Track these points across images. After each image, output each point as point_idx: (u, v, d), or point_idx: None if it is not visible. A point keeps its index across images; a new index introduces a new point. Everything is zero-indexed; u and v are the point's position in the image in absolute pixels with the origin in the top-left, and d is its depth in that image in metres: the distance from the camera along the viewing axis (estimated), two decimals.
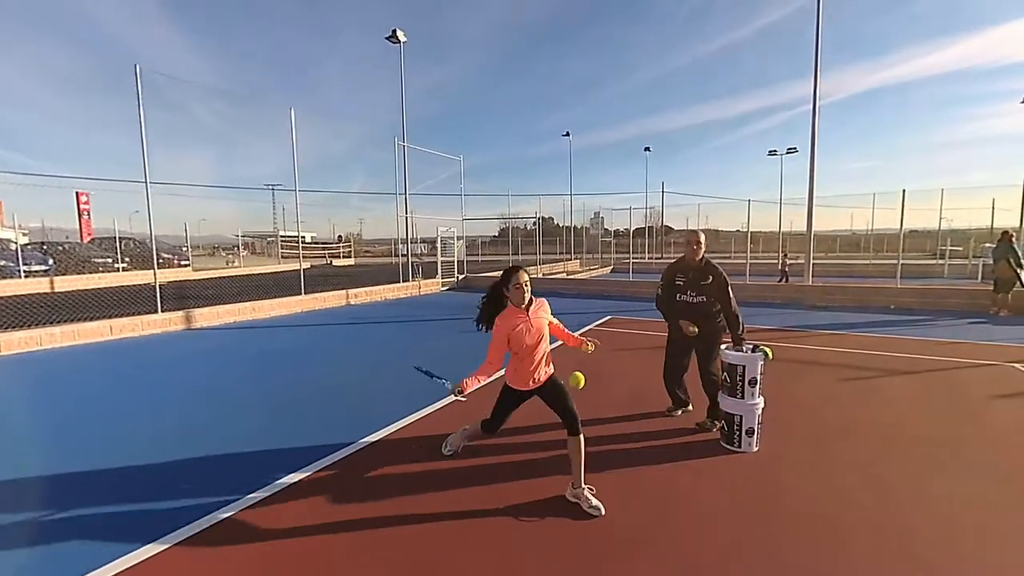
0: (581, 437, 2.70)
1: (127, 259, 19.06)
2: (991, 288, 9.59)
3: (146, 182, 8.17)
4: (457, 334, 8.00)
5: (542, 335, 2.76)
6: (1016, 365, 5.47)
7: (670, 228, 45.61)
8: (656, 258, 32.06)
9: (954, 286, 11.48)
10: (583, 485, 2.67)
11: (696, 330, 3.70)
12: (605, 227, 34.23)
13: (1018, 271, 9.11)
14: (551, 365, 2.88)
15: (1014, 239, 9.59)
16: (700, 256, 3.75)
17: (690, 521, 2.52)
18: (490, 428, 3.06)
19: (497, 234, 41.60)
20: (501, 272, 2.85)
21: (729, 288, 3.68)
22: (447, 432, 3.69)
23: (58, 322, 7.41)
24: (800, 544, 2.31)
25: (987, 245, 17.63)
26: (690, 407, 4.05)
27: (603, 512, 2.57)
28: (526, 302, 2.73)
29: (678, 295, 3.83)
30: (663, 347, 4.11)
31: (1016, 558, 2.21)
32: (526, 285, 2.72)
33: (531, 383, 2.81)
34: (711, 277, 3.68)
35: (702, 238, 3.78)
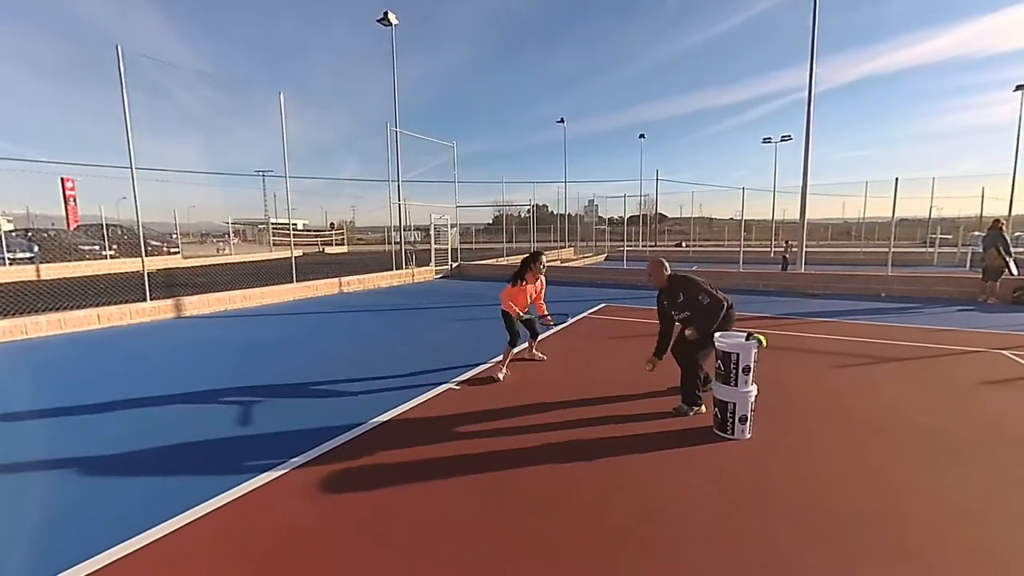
0: (536, 340, 5.29)
1: (115, 246, 18.74)
2: (980, 276, 9.70)
3: (131, 167, 7.98)
4: (451, 323, 7.96)
5: (531, 296, 4.95)
6: (1004, 352, 5.54)
7: (664, 216, 45.69)
8: (650, 246, 32.10)
9: (944, 274, 11.60)
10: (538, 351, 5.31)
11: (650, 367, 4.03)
12: (599, 215, 34.20)
13: (1007, 259, 9.20)
14: (531, 309, 5.04)
15: (1004, 228, 9.68)
16: (662, 280, 3.95)
17: (681, 510, 2.52)
18: (513, 343, 4.81)
19: (491, 222, 41.41)
20: (531, 252, 4.92)
21: (701, 295, 3.72)
22: (441, 415, 3.69)
23: (43, 310, 7.28)
24: (792, 533, 2.33)
25: (976, 233, 17.82)
26: (702, 408, 3.79)
27: (544, 358, 5.24)
28: (538, 275, 4.88)
29: (671, 315, 4.02)
30: (655, 335, 4.12)
31: (1006, 545, 2.23)
32: (543, 267, 4.87)
33: (520, 314, 4.84)
34: (681, 294, 3.82)
35: (658, 267, 3.97)
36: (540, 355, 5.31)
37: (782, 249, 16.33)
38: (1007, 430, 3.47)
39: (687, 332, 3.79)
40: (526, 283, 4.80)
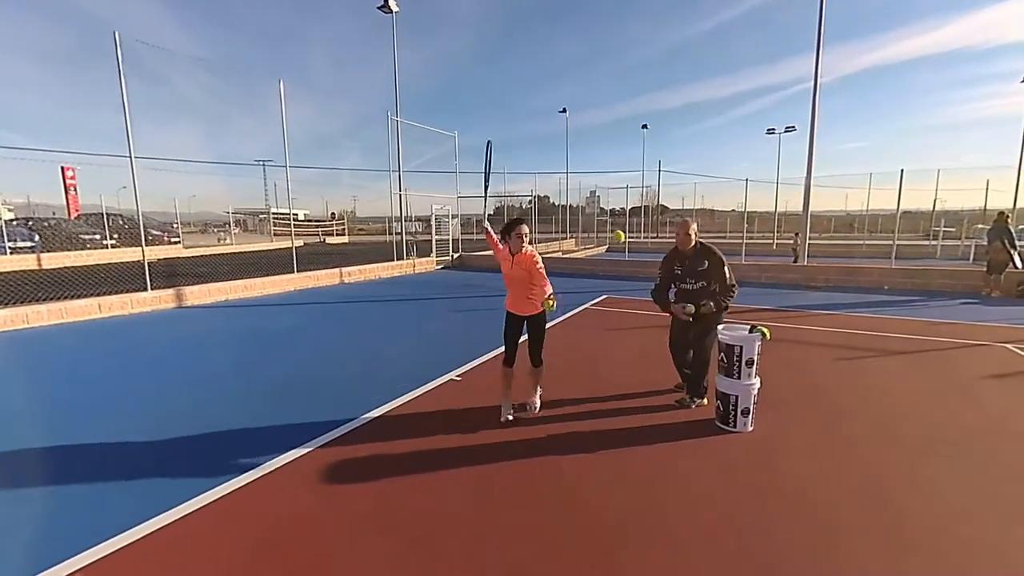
0: (541, 368, 3.65)
1: (115, 236, 18.72)
2: (984, 269, 9.64)
3: (131, 156, 7.93)
4: (451, 313, 7.95)
5: (520, 279, 3.47)
6: (1008, 345, 5.51)
7: (666, 208, 45.45)
8: (652, 237, 31.96)
9: (947, 267, 11.54)
10: (536, 397, 3.72)
11: (692, 309, 3.69)
12: (601, 206, 34.04)
13: (1012, 252, 9.15)
14: (535, 304, 3.49)
15: (1009, 220, 9.61)
16: (693, 243, 3.75)
17: (682, 503, 2.52)
18: (508, 361, 3.61)
19: (493, 212, 41.25)
20: (512, 219, 3.50)
21: (726, 268, 3.66)
22: (442, 407, 3.68)
23: (45, 300, 7.28)
24: (792, 526, 2.32)
25: (980, 226, 17.71)
26: (704, 401, 3.79)
27: (537, 408, 3.66)
28: (516, 250, 3.44)
29: (678, 283, 3.87)
30: (657, 327, 4.11)
31: (1007, 540, 2.23)
32: (523, 237, 3.41)
33: (516, 310, 3.55)
34: (707, 262, 3.69)
35: (693, 227, 3.76)
36: (536, 401, 3.71)
37: (791, 242, 16.09)
38: (1009, 424, 3.46)
39: (702, 305, 3.60)
40: (507, 257, 3.50)
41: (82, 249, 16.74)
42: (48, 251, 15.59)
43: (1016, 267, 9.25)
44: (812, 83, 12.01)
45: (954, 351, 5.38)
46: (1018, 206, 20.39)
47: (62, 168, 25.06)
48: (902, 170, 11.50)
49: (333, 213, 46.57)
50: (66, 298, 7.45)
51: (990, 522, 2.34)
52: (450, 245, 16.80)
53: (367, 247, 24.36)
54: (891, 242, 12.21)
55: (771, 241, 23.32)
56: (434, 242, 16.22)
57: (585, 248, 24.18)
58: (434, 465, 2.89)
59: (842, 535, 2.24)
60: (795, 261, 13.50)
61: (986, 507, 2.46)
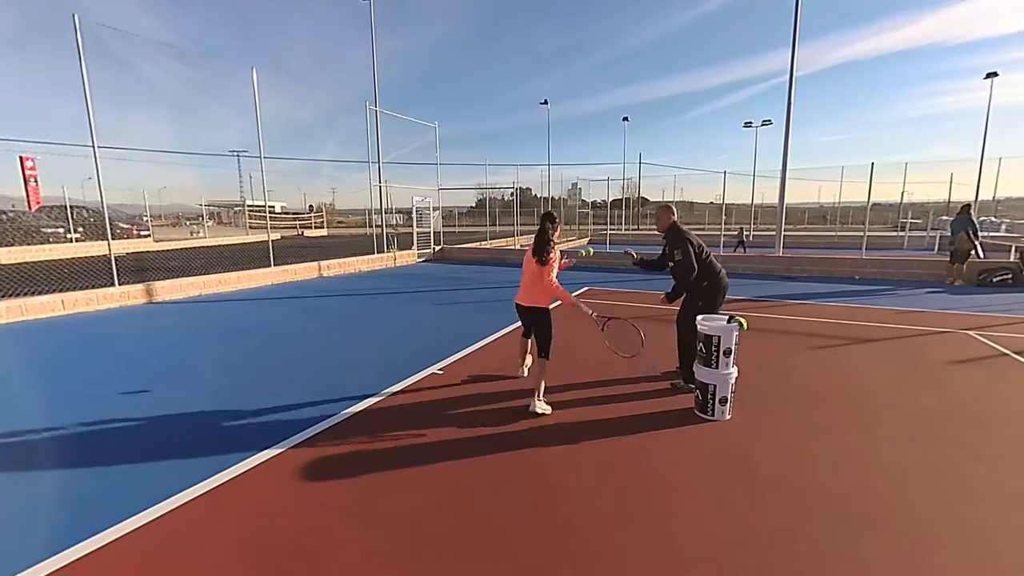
0: (545, 361, 3.60)
1: (80, 229, 17.99)
2: (948, 259, 10.02)
3: (93, 145, 7.57)
4: (433, 307, 7.88)
5: (530, 270, 3.68)
6: (970, 332, 5.74)
7: (646, 200, 45.86)
8: (633, 229, 32.25)
9: (914, 257, 11.95)
10: (539, 398, 3.51)
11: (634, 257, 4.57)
12: (582, 198, 34.16)
13: (974, 242, 9.53)
14: (538, 300, 3.70)
15: (972, 212, 10.00)
16: (663, 226, 4.10)
17: (661, 491, 2.55)
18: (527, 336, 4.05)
19: (474, 204, 41.01)
20: (546, 212, 3.78)
21: (679, 250, 3.87)
22: (424, 400, 3.65)
23: (3, 296, 6.94)
24: (770, 509, 2.38)
25: (944, 218, 18.37)
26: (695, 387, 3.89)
27: (549, 411, 3.48)
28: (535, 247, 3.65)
29: (666, 259, 4.15)
30: (638, 318, 4.18)
31: (971, 519, 2.32)
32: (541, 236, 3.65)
33: (520, 300, 3.80)
34: (671, 243, 3.97)
35: (664, 212, 4.11)
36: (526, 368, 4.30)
37: (735, 233, 17.02)
38: (973, 408, 3.60)
39: (675, 257, 3.92)
40: (552, 253, 3.69)
41: (44, 243, 16.02)
42: (6, 246, 14.88)
43: (979, 257, 9.64)
44: (788, 77, 12.23)
45: (921, 338, 5.58)
46: (980, 198, 21.21)
47: (20, 158, 23.86)
48: (872, 163, 11.85)
49: (311, 205, 45.64)
50: (26, 294, 7.12)
51: (955, 502, 2.43)
52: (431, 238, 16.63)
53: (347, 240, 23.98)
54: (862, 233, 12.56)
55: (749, 233, 23.78)
56: (415, 235, 16.03)
57: (567, 240, 24.22)
58: (416, 459, 2.86)
59: (815, 519, 2.30)
60: (735, 250, 14.02)
61: (950, 487, 2.56)
